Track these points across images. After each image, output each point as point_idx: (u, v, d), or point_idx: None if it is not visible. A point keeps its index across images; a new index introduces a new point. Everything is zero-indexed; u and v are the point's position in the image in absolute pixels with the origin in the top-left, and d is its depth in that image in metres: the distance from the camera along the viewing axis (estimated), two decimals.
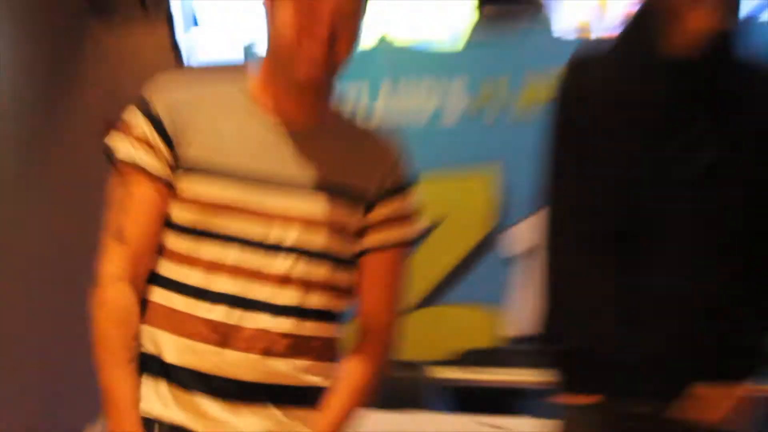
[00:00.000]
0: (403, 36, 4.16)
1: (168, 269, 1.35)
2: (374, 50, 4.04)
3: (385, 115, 3.91)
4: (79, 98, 5.41)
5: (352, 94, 3.93)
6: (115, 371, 1.31)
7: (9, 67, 4.88)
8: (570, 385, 1.77)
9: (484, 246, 3.80)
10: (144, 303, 1.37)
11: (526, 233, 3.63)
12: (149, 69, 5.63)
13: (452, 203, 3.89)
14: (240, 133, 1.35)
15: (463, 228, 3.86)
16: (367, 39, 4.30)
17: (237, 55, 4.75)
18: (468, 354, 3.88)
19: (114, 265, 1.34)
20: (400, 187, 1.41)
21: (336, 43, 1.27)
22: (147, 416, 1.31)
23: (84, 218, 4.02)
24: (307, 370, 1.36)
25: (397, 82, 3.95)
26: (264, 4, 1.35)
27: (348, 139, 1.42)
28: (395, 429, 3.04)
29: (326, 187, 1.34)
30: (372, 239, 1.39)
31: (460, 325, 3.94)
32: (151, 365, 1.33)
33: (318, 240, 1.32)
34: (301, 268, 1.31)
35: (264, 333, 1.30)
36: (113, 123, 3.77)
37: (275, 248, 1.31)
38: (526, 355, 3.60)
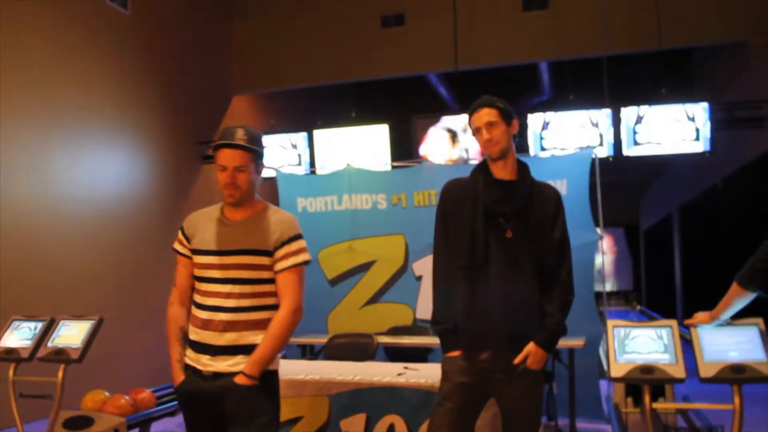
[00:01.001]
0: (356, 164, 6.53)
1: (194, 296, 2.68)
2: (341, 172, 6.43)
3: (347, 205, 6.29)
4: (193, 200, 8.34)
5: (327, 200, 6.40)
6: (171, 344, 2.66)
7: (156, 183, 7.65)
8: (445, 346, 2.69)
9: (400, 271, 6.21)
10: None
11: (421, 266, 6.20)
12: None
13: (382, 250, 6.24)
14: (210, 230, 2.64)
15: (389, 262, 6.22)
16: (338, 165, 6.75)
17: None
18: (396, 328, 5.91)
19: (173, 297, 2.72)
20: (287, 240, 2.59)
21: (237, 185, 2.53)
22: (185, 362, 2.62)
23: None
24: (248, 336, 2.56)
25: (352, 191, 6.34)
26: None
27: (261, 222, 2.60)
28: (358, 372, 3.94)
29: (250, 249, 2.57)
30: (276, 266, 2.59)
31: (391, 313, 6.14)
32: (188, 341, 2.64)
33: (240, 274, 2.56)
34: (236, 289, 2.56)
35: (221, 322, 2.56)
36: None
37: (222, 281, 2.57)
38: (426, 329, 5.75)
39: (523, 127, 7.15)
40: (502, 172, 2.68)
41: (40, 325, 4.23)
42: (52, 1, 6.37)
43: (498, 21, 8.27)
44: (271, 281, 2.61)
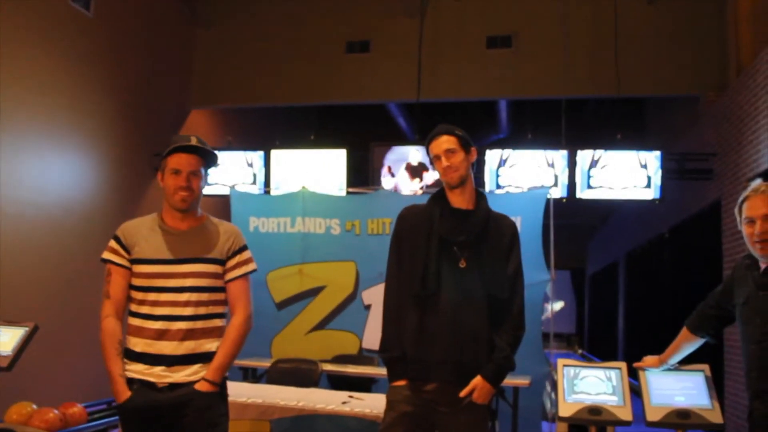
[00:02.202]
0: (312, 187, 6.54)
1: (134, 307, 2.60)
2: (296, 194, 6.40)
3: (300, 228, 6.23)
4: (143, 212, 8.15)
5: (280, 221, 6.32)
6: (110, 361, 2.53)
7: (105, 191, 7.44)
8: (392, 374, 2.63)
9: (349, 298, 6.15)
10: (126, 325, 2.59)
11: (371, 295, 6.15)
12: None
13: (333, 276, 6.16)
14: (155, 239, 2.60)
15: (339, 288, 6.15)
16: (293, 187, 6.81)
17: None
18: (341, 357, 5.80)
19: (105, 310, 2.59)
20: (238, 250, 2.67)
21: (191, 189, 2.54)
22: (128, 377, 2.52)
23: None
24: (205, 344, 2.56)
25: (306, 214, 6.29)
26: (159, 181, 2.63)
27: (209, 232, 2.64)
28: (301, 398, 3.89)
29: (205, 258, 2.59)
30: (229, 275, 2.65)
31: (338, 341, 6.05)
32: (128, 354, 2.56)
33: (198, 282, 2.56)
34: (193, 297, 2.55)
35: (179, 330, 2.53)
36: None
37: (179, 290, 2.54)
38: (372, 359, 5.71)
39: (480, 163, 7.20)
40: (459, 200, 2.67)
41: None
42: None
43: (462, 56, 8.36)
44: (223, 289, 2.64)
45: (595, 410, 2.90)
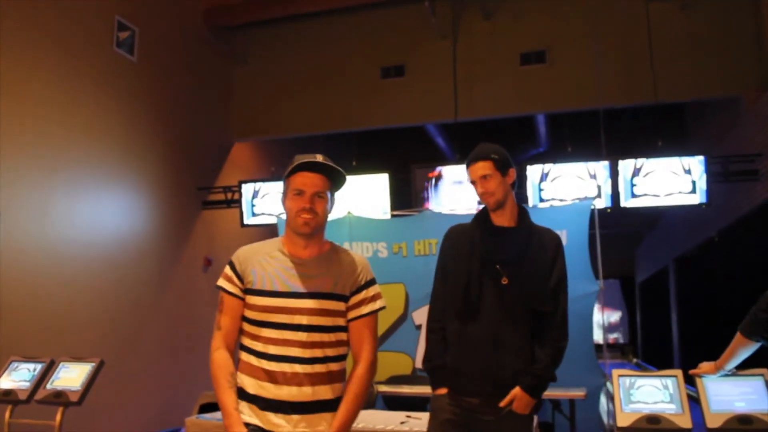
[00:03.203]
0: (357, 212, 6.59)
1: (247, 342, 2.31)
2: (342, 219, 6.47)
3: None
4: (191, 245, 8.43)
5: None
6: (223, 393, 2.23)
7: (157, 229, 7.69)
8: (434, 383, 2.70)
9: (400, 320, 6.19)
10: (238, 361, 2.31)
11: (420, 315, 6.15)
12: (227, 234, 8.85)
13: (384, 298, 6.29)
14: (275, 269, 2.30)
15: (389, 310, 5.99)
16: (339, 213, 6.79)
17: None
18: (395, 377, 5.86)
19: (216, 341, 2.33)
20: (364, 285, 2.34)
21: (315, 212, 2.26)
22: (244, 422, 2.20)
23: (186, 305, 7.42)
24: (324, 391, 2.24)
25: (353, 239, 6.37)
26: (281, 204, 2.37)
27: (333, 263, 2.33)
28: (360, 420, 3.27)
29: (322, 293, 2.27)
30: (352, 313, 2.33)
31: (391, 361, 6.08)
32: (242, 394, 2.26)
33: (320, 321, 2.25)
34: (314, 337, 2.24)
35: (295, 374, 2.22)
36: (208, 260, 7.69)
37: (296, 327, 2.23)
38: (427, 379, 5.98)
39: (522, 178, 7.23)
40: (501, 219, 2.72)
41: (39, 366, 4.23)
42: (61, 46, 6.48)
43: (497, 74, 8.43)
44: (345, 329, 2.34)
45: (653, 419, 2.92)
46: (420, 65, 8.75)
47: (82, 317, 6.49)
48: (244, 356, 2.30)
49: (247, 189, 8.43)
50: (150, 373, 7.36)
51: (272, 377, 2.22)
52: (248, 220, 8.32)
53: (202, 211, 8.71)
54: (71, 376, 4.19)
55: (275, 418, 2.22)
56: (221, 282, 2.36)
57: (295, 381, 2.21)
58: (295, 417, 2.22)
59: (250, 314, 2.30)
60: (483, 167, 2.67)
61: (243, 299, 2.32)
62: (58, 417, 3.89)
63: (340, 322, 2.30)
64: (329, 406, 2.26)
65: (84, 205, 6.71)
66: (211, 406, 5.35)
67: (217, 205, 8.75)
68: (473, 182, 2.72)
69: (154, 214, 7.80)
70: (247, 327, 2.31)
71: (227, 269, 2.37)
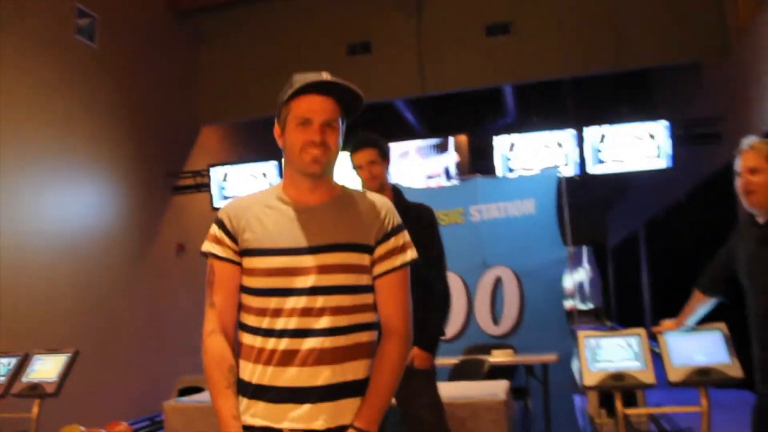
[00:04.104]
0: None
1: (248, 319, 1.79)
2: None
3: None
4: (163, 231, 8.42)
5: None
6: (218, 396, 1.74)
7: (127, 216, 7.67)
8: None
9: None
10: (239, 345, 1.78)
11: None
12: (198, 218, 8.85)
13: None
14: (277, 221, 1.79)
15: None
16: None
17: None
18: None
19: (209, 323, 1.80)
20: (391, 232, 1.83)
21: (327, 146, 1.76)
22: (245, 426, 1.72)
23: (160, 291, 7.42)
24: (352, 370, 1.74)
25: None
26: (277, 137, 1.85)
27: (349, 207, 1.83)
28: None
29: (340, 245, 1.76)
30: (378, 268, 1.81)
31: None
32: (245, 389, 1.76)
33: (340, 280, 1.74)
34: (332, 301, 1.72)
35: (312, 351, 1.70)
36: (181, 245, 7.70)
37: (310, 291, 1.72)
38: None
39: (490, 149, 7.31)
40: None
41: (13, 360, 4.23)
42: (19, 34, 6.38)
43: (462, 47, 8.46)
44: (371, 289, 1.82)
45: (618, 376, 3.01)
46: (386, 41, 8.74)
47: (55, 309, 6.47)
48: (247, 338, 1.79)
49: (216, 172, 8.42)
50: (127, 360, 7.35)
51: (284, 359, 1.72)
52: (218, 203, 8.31)
53: (172, 197, 8.67)
54: (46, 368, 4.18)
55: (288, 411, 1.72)
56: (208, 246, 1.84)
57: (313, 360, 1.71)
58: (314, 407, 1.71)
59: (250, 282, 1.78)
60: (370, 154, 2.95)
61: (239, 264, 1.80)
62: (35, 409, 3.89)
63: (366, 280, 1.80)
64: (358, 389, 1.76)
65: (52, 197, 6.66)
66: (192, 390, 5.39)
67: (187, 190, 8.73)
68: (359, 167, 2.96)
69: (123, 201, 7.75)
70: (247, 299, 1.80)
71: (214, 229, 1.84)
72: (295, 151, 1.77)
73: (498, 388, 3.71)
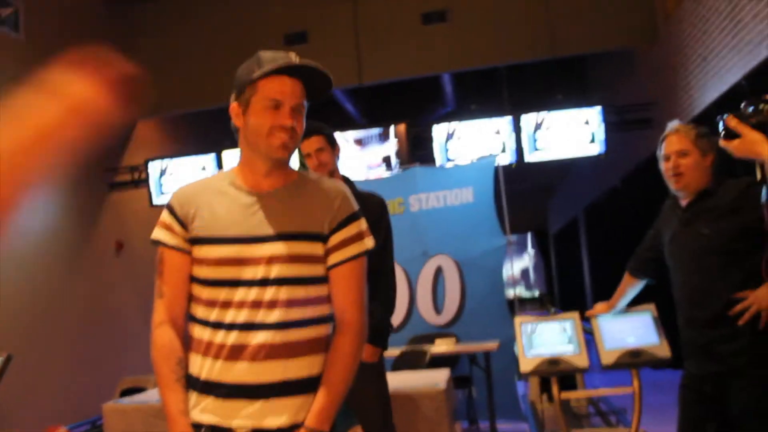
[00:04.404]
0: None
1: (197, 310, 1.73)
2: None
3: None
4: (100, 230, 8.21)
5: None
6: (166, 390, 1.68)
7: (62, 215, 7.50)
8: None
9: None
10: (188, 339, 1.73)
11: None
12: (137, 215, 8.63)
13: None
14: (228, 208, 1.72)
15: None
16: None
17: None
18: None
19: (158, 314, 1.74)
20: (346, 220, 1.76)
21: (295, 131, 1.69)
22: (194, 422, 1.66)
23: (99, 291, 7.21)
24: (305, 366, 1.68)
25: None
26: (235, 117, 1.75)
27: (303, 194, 1.77)
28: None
29: (292, 234, 1.69)
30: (333, 258, 1.74)
31: None
32: (194, 384, 1.69)
33: (292, 271, 1.67)
34: (283, 293, 1.66)
35: (262, 346, 1.64)
36: (120, 243, 7.50)
37: (261, 283, 1.65)
38: None
39: (428, 139, 7.33)
40: None
41: None
42: None
43: (399, 35, 8.44)
44: (326, 280, 1.76)
45: (553, 362, 3.06)
46: (322, 31, 8.65)
47: None
48: (196, 330, 1.72)
49: (153, 167, 8.23)
50: (67, 363, 7.12)
51: (233, 353, 1.65)
52: (157, 199, 8.12)
53: (109, 194, 8.43)
54: None
55: (238, 409, 1.66)
56: (158, 234, 1.77)
57: (264, 355, 1.65)
58: (266, 404, 1.66)
59: (200, 272, 1.72)
60: (318, 141, 2.94)
61: (189, 253, 1.74)
62: None
63: (320, 271, 1.74)
64: (312, 386, 1.70)
65: None
66: (134, 391, 5.28)
67: (124, 186, 8.50)
68: (307, 155, 2.97)
69: (58, 200, 7.46)
70: (197, 290, 1.73)
71: (164, 215, 1.78)
72: (262, 134, 1.69)
73: (438, 378, 3.73)
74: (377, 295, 2.87)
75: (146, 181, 8.22)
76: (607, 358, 2.99)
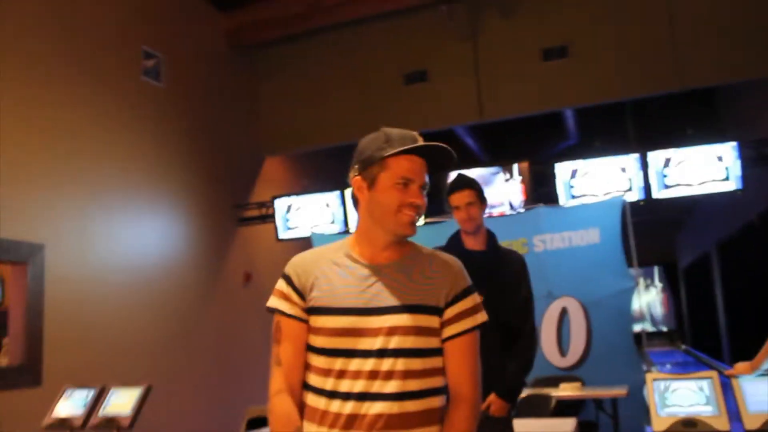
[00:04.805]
0: None
1: (313, 379, 1.75)
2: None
3: None
4: (230, 262, 8.60)
5: None
6: None
7: (196, 248, 7.91)
8: None
9: None
10: (303, 407, 1.76)
11: None
12: (264, 249, 9.00)
13: None
14: (344, 280, 1.77)
15: None
16: None
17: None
18: None
19: (276, 382, 1.77)
20: (462, 293, 1.79)
21: (420, 208, 1.75)
22: None
23: (228, 320, 7.52)
24: None
25: None
26: (357, 197, 1.82)
27: (418, 267, 1.80)
28: None
29: (411, 306, 1.72)
30: (448, 331, 1.76)
31: None
32: None
33: (410, 342, 1.69)
34: (401, 364, 1.67)
35: (379, 416, 1.65)
36: (248, 274, 7.87)
37: (378, 354, 1.68)
38: None
39: (552, 177, 7.22)
40: (473, 243, 3.06)
41: (91, 393, 4.41)
42: (91, 79, 6.66)
43: (519, 72, 8.41)
44: (440, 353, 1.78)
45: (689, 422, 2.93)
46: (442, 69, 8.77)
47: (128, 343, 6.64)
48: (311, 399, 1.75)
49: (280, 204, 8.56)
50: (198, 392, 7.49)
51: (349, 423, 1.67)
52: (283, 234, 8.44)
53: (238, 228, 8.86)
54: (121, 402, 4.35)
55: None
56: (274, 302, 1.81)
57: (382, 425, 1.65)
58: None
59: (316, 341, 1.75)
60: (469, 195, 3.01)
61: (306, 322, 1.77)
62: None
63: (435, 343, 1.75)
64: None
65: (123, 231, 6.89)
66: (260, 422, 5.47)
67: (252, 221, 8.89)
68: (456, 208, 3.03)
69: (191, 234, 7.95)
70: (313, 359, 1.76)
71: (281, 284, 1.82)
72: (391, 210, 1.74)
73: (565, 428, 3.65)
74: (516, 353, 2.94)
75: (272, 216, 8.56)
76: (750, 423, 2.83)
